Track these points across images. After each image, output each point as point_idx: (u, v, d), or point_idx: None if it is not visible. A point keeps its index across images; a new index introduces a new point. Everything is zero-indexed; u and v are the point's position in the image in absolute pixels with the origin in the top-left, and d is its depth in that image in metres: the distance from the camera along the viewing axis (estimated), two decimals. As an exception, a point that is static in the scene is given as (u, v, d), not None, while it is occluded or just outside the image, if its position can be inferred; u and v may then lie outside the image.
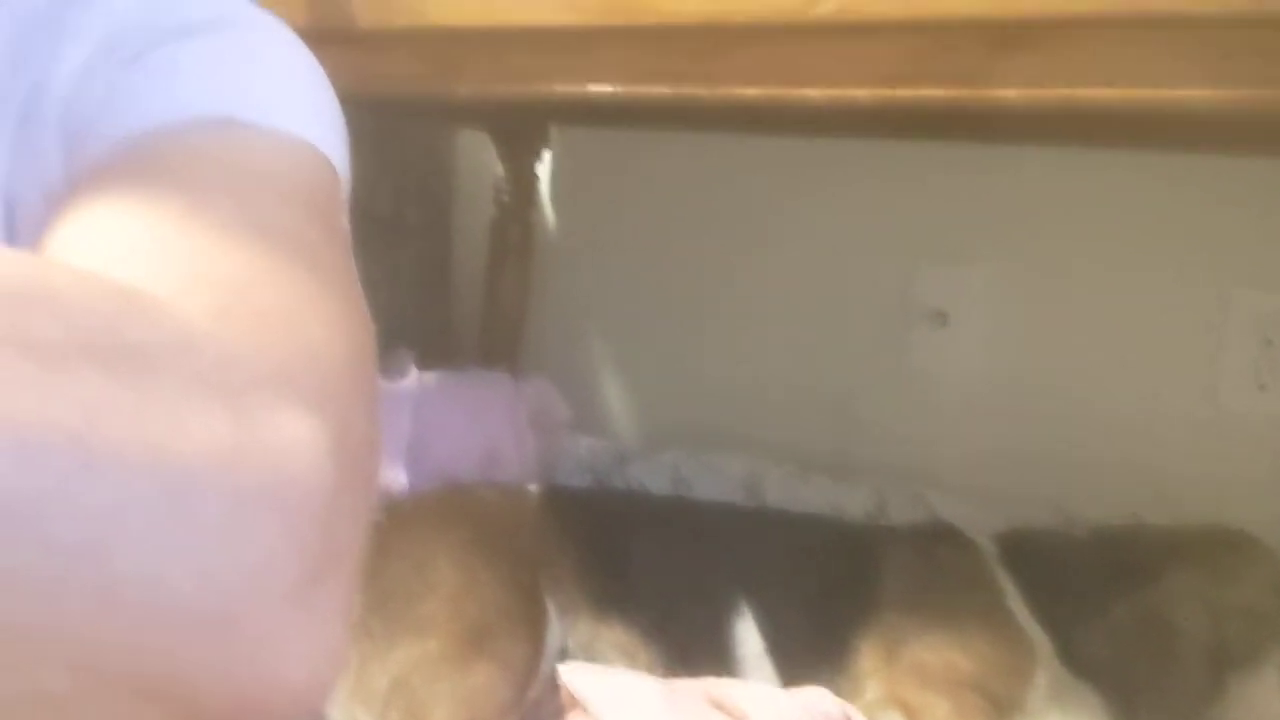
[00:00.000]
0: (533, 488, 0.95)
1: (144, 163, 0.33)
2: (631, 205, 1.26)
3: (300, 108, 0.39)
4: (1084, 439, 1.08)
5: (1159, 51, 0.55)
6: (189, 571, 0.21)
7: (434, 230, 1.29)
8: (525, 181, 1.26)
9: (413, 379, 1.00)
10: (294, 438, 0.23)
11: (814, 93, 0.64)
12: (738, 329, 1.22)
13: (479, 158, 1.32)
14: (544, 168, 1.28)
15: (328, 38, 0.76)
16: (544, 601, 0.84)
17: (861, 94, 0.63)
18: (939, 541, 0.93)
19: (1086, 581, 0.87)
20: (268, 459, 0.23)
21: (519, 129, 1.23)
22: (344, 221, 0.38)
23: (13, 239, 0.38)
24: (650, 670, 0.80)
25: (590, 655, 0.82)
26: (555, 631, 0.83)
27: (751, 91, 0.66)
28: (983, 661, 0.82)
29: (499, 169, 1.25)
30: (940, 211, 1.11)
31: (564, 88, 0.72)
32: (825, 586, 0.90)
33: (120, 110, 0.36)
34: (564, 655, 0.82)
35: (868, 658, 0.84)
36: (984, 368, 1.12)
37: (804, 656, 0.86)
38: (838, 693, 0.81)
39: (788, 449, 1.14)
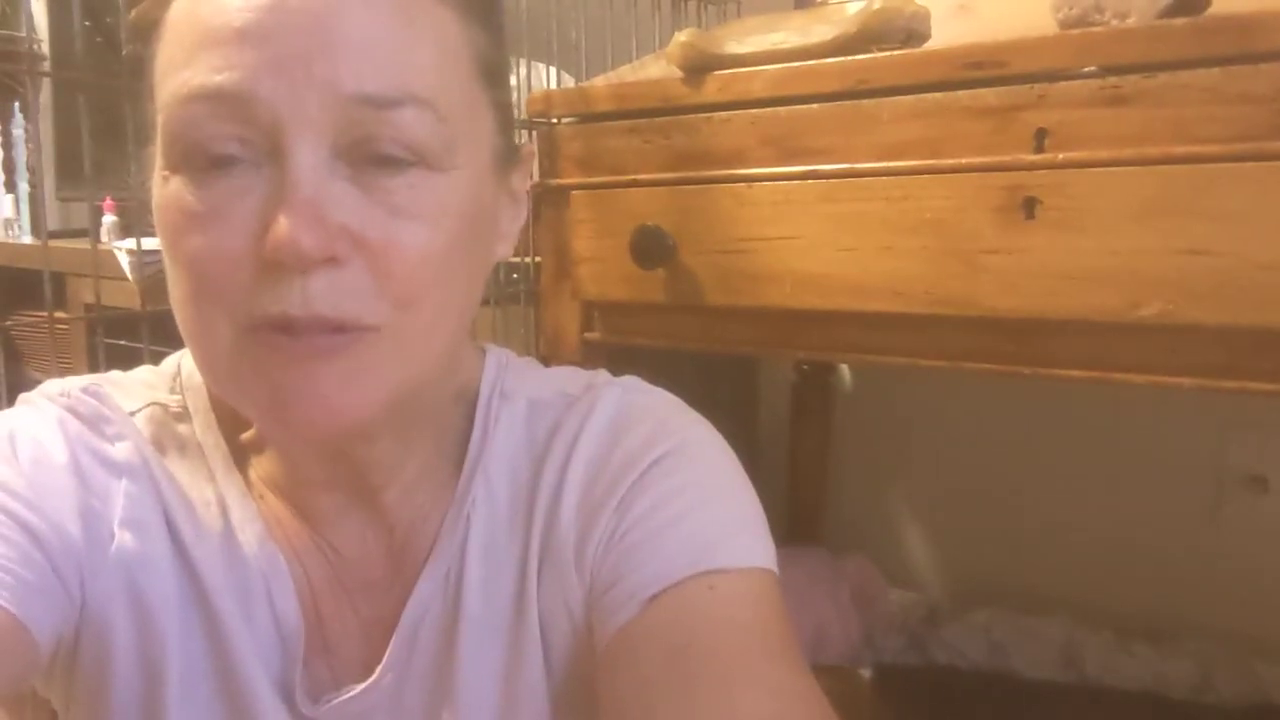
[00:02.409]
0: (865, 672, 1.04)
1: (664, 637, 0.46)
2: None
3: (751, 531, 0.51)
4: None
5: None
6: None
7: (741, 401, 1.42)
8: (825, 350, 1.37)
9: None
10: None
11: (1134, 378, 0.71)
12: (1049, 491, 1.26)
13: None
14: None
15: (682, 309, 0.91)
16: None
17: (1185, 382, 0.69)
18: (1273, 727, 0.94)
19: None
20: None
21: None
22: (788, 623, 0.50)
23: (547, 648, 0.52)
24: None
25: None
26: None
27: (1073, 374, 0.73)
28: None
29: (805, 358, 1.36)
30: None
31: (892, 359, 0.82)
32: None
33: (625, 573, 0.49)
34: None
35: None
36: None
37: None
38: None
39: (1104, 613, 1.16)
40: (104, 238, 1.64)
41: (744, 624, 0.47)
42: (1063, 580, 1.22)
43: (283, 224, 0.43)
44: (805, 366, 1.38)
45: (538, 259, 1.06)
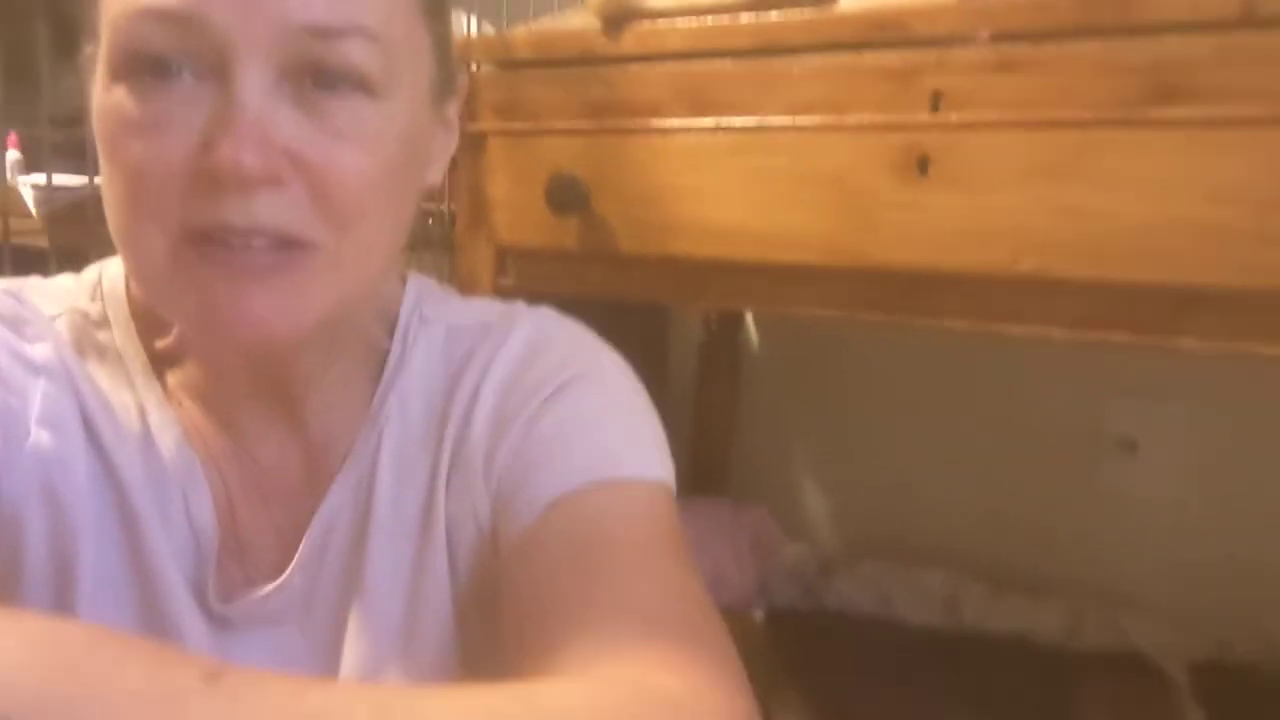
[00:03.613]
0: (758, 614, 1.08)
1: (563, 536, 0.48)
2: (836, 331, 1.39)
3: (652, 449, 0.54)
4: (1277, 564, 1.13)
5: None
6: None
7: (650, 358, 1.45)
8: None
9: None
10: None
11: (1013, 328, 0.76)
12: (937, 450, 1.32)
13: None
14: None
15: (595, 258, 0.93)
16: (773, 724, 0.97)
17: (1057, 332, 0.74)
18: (1132, 671, 1.02)
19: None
20: None
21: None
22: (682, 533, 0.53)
23: (453, 553, 0.55)
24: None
25: (815, 777, 0.95)
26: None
27: (957, 324, 0.78)
28: (1175, 798, 0.90)
29: (713, 308, 1.40)
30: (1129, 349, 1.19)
31: (794, 309, 0.86)
32: (1024, 713, 1.00)
33: (530, 479, 0.51)
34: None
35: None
36: (1175, 494, 1.19)
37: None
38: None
39: (983, 566, 1.23)
40: (8, 174, 1.60)
41: (640, 526, 0.50)
42: (947, 535, 1.29)
43: (227, 144, 0.44)
44: (714, 325, 1.42)
45: (454, 207, 1.07)
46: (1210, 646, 1.06)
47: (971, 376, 1.29)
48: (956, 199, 0.74)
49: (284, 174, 0.46)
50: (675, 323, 1.50)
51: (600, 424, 0.54)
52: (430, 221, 1.17)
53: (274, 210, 0.46)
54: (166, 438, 0.55)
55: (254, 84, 0.45)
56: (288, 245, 0.47)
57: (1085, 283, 0.71)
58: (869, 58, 0.78)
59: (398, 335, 0.59)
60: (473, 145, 1.00)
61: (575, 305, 0.60)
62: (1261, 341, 0.67)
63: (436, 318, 0.60)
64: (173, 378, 0.57)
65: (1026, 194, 0.71)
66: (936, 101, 0.75)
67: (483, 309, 0.62)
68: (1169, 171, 0.67)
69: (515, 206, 0.98)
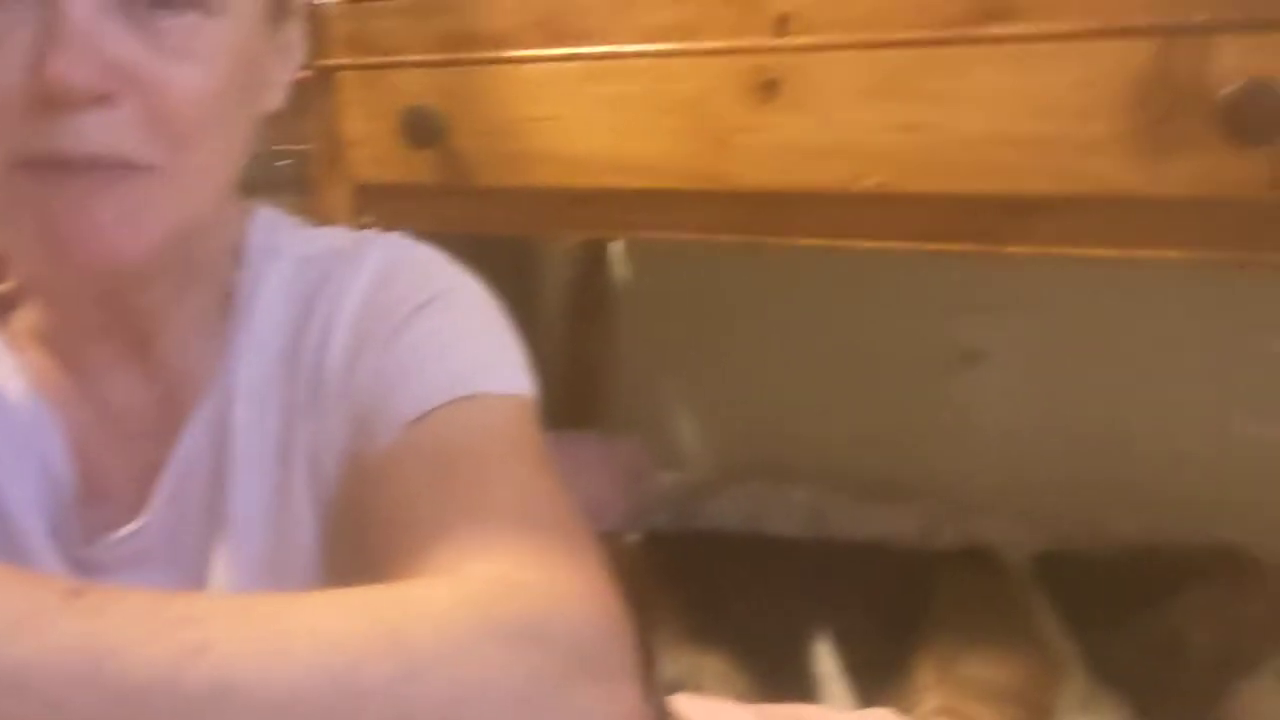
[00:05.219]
0: (631, 537, 1.11)
1: (425, 452, 0.49)
2: (703, 262, 1.41)
3: (510, 364, 0.55)
4: (1110, 464, 1.22)
5: (1136, 220, 0.70)
6: None
7: (519, 295, 1.45)
8: (600, 243, 1.42)
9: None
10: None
11: (860, 243, 0.79)
12: (799, 373, 1.37)
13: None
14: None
15: (455, 192, 0.93)
16: (650, 640, 1.01)
17: (899, 246, 0.78)
18: (980, 565, 1.09)
19: (1111, 598, 1.03)
20: None
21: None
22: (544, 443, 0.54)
23: (315, 481, 0.55)
24: (745, 694, 0.97)
25: (694, 684, 0.99)
26: (663, 665, 1.00)
27: (808, 242, 0.81)
28: (1021, 674, 0.98)
29: (574, 238, 1.41)
30: (972, 264, 1.26)
31: (650, 234, 0.88)
32: (886, 610, 1.06)
33: (389, 400, 0.52)
34: (671, 686, 0.99)
35: (924, 673, 1.00)
36: (1018, 402, 1.27)
37: (871, 673, 1.02)
38: (900, 705, 0.97)
39: (846, 479, 1.29)
40: None
41: (500, 437, 0.51)
42: (812, 452, 1.34)
43: (55, 60, 0.43)
44: (581, 262, 1.43)
45: (308, 146, 1.05)
46: (1050, 540, 1.15)
47: (829, 299, 1.34)
48: (803, 120, 0.77)
49: (116, 91, 0.45)
50: (542, 261, 1.51)
51: (457, 342, 0.54)
52: (284, 163, 1.14)
53: (107, 131, 0.45)
54: (13, 385, 0.54)
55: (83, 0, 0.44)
56: (125, 169, 0.46)
57: (924, 197, 0.75)
58: (716, -18, 0.79)
59: (247, 267, 0.58)
60: (324, 82, 0.98)
61: (440, 245, 0.61)
62: (1087, 245, 0.72)
63: (286, 248, 0.59)
64: (17, 323, 0.55)
65: (867, 113, 0.75)
66: (783, 25, 0.77)
67: (333, 237, 0.61)
68: (997, 87, 0.71)
69: (371, 143, 0.97)
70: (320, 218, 1.03)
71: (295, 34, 0.57)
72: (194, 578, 0.55)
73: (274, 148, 1.09)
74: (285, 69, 0.57)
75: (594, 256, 1.42)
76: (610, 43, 0.84)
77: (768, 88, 0.78)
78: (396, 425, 0.51)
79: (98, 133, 0.45)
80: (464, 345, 0.55)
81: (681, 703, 0.92)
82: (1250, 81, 0.63)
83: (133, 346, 0.55)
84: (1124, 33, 0.68)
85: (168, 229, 0.48)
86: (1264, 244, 0.68)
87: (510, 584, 0.40)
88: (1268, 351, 1.15)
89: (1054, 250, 0.73)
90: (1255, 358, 1.16)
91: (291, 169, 1.12)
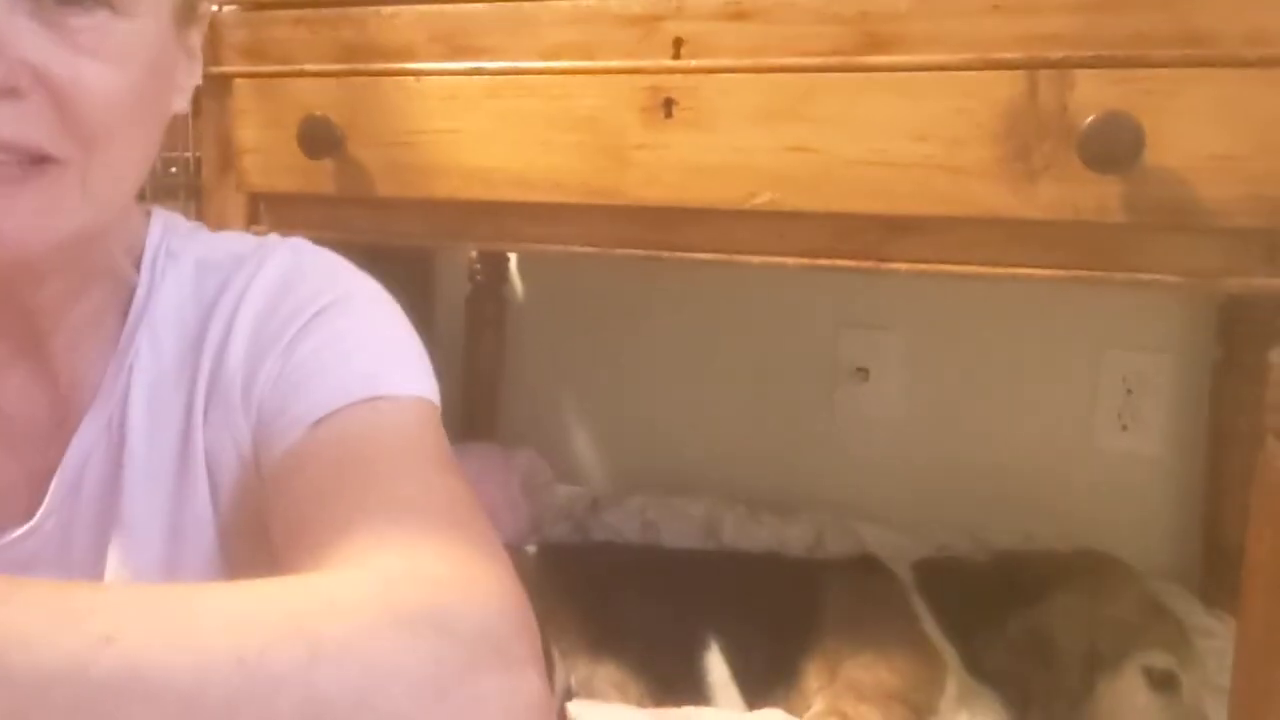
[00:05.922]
0: (530, 548, 1.12)
1: (327, 452, 0.49)
2: (595, 280, 1.44)
3: (414, 367, 0.56)
4: (986, 475, 1.28)
5: (1006, 240, 0.75)
6: None
7: (416, 308, 1.45)
8: (497, 259, 1.43)
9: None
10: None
11: (752, 259, 0.82)
12: (693, 388, 1.40)
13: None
14: (512, 246, 1.45)
15: (352, 202, 0.93)
16: (550, 648, 1.01)
17: (789, 261, 0.81)
18: (866, 572, 1.13)
19: (986, 602, 1.07)
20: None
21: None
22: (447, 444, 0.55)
23: (214, 485, 0.55)
24: (640, 701, 0.99)
25: (590, 692, 1.00)
26: (561, 673, 1.01)
27: (702, 256, 0.84)
28: (904, 675, 1.02)
29: (473, 249, 1.42)
30: (858, 284, 1.31)
31: (552, 248, 0.89)
32: (776, 617, 1.09)
33: (291, 402, 0.52)
34: (569, 694, 1.00)
35: (813, 677, 1.04)
36: (902, 416, 1.32)
37: (762, 679, 1.05)
38: (790, 709, 1.00)
39: (739, 490, 1.32)
40: None
41: (405, 436, 0.51)
42: (706, 465, 1.38)
43: None
44: (478, 276, 1.43)
45: (198, 154, 1.03)
46: (930, 547, 1.20)
47: (720, 315, 1.38)
48: (699, 139, 0.80)
49: (23, 86, 0.45)
50: (440, 275, 1.51)
51: (359, 346, 0.55)
52: (173, 170, 1.12)
53: (16, 124, 0.45)
54: None
55: None
56: (36, 161, 0.46)
57: (811, 215, 0.79)
58: (614, 4, 0.82)
59: (144, 269, 0.58)
60: (218, 89, 0.97)
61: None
62: (961, 263, 0.76)
63: (185, 251, 0.59)
64: None
65: (759, 133, 0.78)
66: (679, 47, 0.80)
67: (234, 241, 0.61)
68: (880, 112, 0.75)
69: (266, 151, 0.96)
70: (212, 225, 1.01)
71: (198, 40, 0.57)
72: (87, 580, 0.54)
73: (163, 154, 1.07)
74: (192, 74, 0.57)
75: (491, 272, 1.43)
76: (511, 59, 0.85)
77: (664, 107, 0.80)
78: (299, 427, 0.51)
79: (5, 125, 0.45)
80: (366, 348, 0.55)
81: (578, 710, 0.93)
82: (1106, 113, 0.68)
83: (25, 349, 0.54)
84: (996, 65, 0.72)
85: (77, 226, 0.48)
86: (1120, 264, 0.73)
87: (417, 575, 0.41)
88: (1129, 368, 1.23)
89: (931, 268, 0.77)
90: (1116, 373, 1.23)
91: (180, 176, 1.10)
